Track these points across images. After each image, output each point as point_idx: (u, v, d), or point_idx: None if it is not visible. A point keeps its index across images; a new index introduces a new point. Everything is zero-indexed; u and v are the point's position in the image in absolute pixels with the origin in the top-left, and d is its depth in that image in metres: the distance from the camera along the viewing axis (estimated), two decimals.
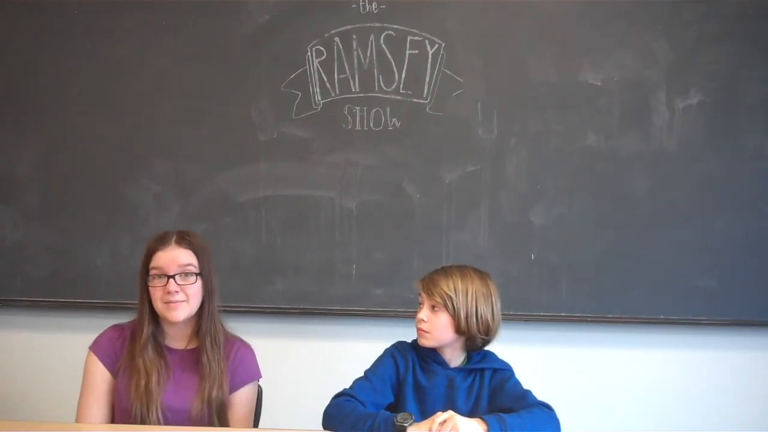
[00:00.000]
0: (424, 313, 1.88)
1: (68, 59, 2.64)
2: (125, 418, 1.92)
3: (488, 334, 1.89)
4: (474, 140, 2.59)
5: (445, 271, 1.90)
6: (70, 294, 2.65)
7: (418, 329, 1.90)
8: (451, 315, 1.86)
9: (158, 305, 1.92)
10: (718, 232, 2.56)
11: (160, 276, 1.91)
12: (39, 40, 2.64)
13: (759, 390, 2.61)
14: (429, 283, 1.89)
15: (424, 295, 1.90)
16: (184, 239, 1.95)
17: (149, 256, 1.94)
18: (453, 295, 1.85)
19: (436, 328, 1.87)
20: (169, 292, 1.89)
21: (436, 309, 1.87)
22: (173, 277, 1.90)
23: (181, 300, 1.91)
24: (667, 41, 2.55)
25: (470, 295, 1.86)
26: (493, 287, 1.90)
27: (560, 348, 2.64)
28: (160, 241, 1.95)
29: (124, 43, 2.63)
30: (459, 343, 1.91)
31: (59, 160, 2.65)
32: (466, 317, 1.85)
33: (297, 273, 2.62)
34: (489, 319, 1.87)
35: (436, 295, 1.86)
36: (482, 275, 1.91)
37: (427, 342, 1.89)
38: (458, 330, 1.86)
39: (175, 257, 1.92)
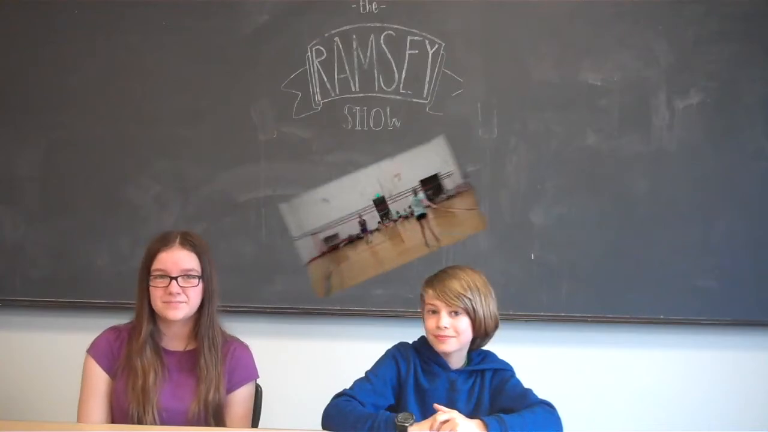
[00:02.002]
0: (445, 320, 1.86)
1: (68, 59, 2.63)
2: (122, 418, 1.92)
3: (490, 332, 1.92)
4: (474, 140, 2.59)
5: (454, 275, 1.90)
6: (70, 294, 2.64)
7: (438, 336, 1.88)
8: (471, 317, 1.87)
9: (157, 303, 1.92)
10: (718, 232, 2.56)
11: (162, 276, 1.91)
12: (39, 39, 2.64)
13: (759, 390, 2.60)
14: (444, 289, 1.87)
15: (440, 303, 1.88)
16: (188, 241, 1.95)
17: (152, 256, 1.94)
18: (471, 297, 1.86)
19: (460, 332, 1.88)
20: (171, 293, 1.89)
21: (457, 314, 1.87)
22: (176, 278, 1.90)
23: (182, 301, 1.91)
24: (667, 41, 2.55)
25: (481, 293, 1.88)
26: (489, 285, 1.93)
27: (560, 348, 2.64)
28: (163, 242, 1.95)
29: (124, 43, 2.62)
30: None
31: (59, 160, 2.65)
32: (483, 316, 1.87)
33: (297, 273, 2.62)
34: (496, 316, 1.91)
35: (455, 300, 1.86)
36: (479, 273, 1.93)
37: (450, 347, 1.89)
38: (475, 329, 1.88)
39: (179, 260, 1.92)
